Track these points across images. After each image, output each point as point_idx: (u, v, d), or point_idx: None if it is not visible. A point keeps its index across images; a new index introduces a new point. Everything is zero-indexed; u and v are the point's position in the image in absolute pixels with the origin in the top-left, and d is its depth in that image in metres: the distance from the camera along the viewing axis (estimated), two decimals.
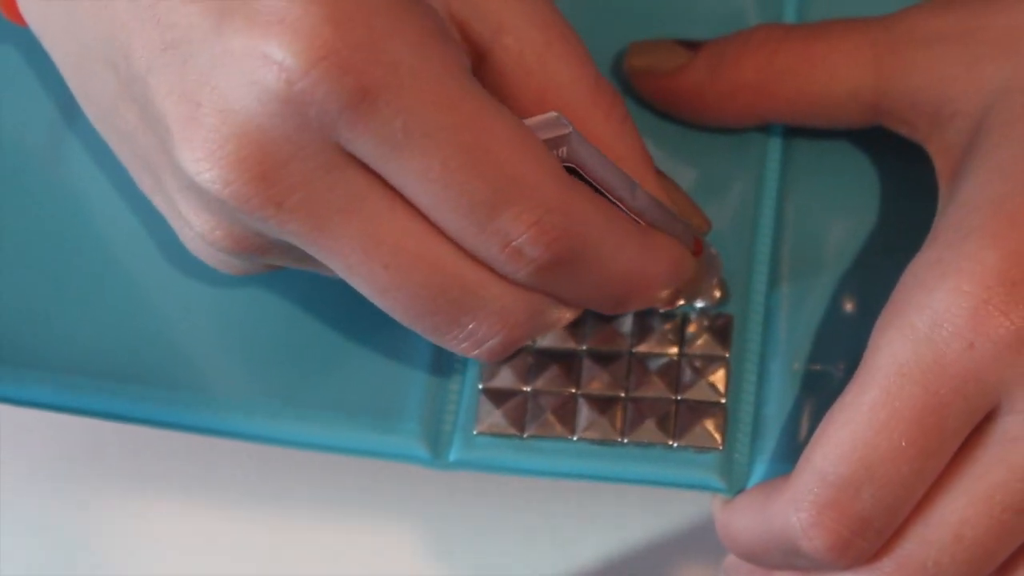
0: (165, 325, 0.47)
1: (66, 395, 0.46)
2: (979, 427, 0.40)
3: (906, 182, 0.46)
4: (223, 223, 0.39)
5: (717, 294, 0.46)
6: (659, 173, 0.43)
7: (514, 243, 0.38)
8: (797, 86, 0.45)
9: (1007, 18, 0.42)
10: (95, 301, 0.47)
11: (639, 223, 0.41)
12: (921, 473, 0.39)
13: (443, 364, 0.46)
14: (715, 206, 0.47)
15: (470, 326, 0.40)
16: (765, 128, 0.47)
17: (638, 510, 0.53)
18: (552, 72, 0.40)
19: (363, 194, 0.38)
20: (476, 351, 0.40)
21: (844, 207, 0.47)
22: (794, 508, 0.41)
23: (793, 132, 0.48)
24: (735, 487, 0.44)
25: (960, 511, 0.39)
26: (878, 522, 0.40)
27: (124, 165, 0.42)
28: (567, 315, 0.41)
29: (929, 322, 0.39)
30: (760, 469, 0.44)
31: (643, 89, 0.47)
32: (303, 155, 0.37)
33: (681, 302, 0.45)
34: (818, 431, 0.41)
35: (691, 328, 0.46)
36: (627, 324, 0.46)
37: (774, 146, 0.48)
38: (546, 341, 0.46)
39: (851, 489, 0.40)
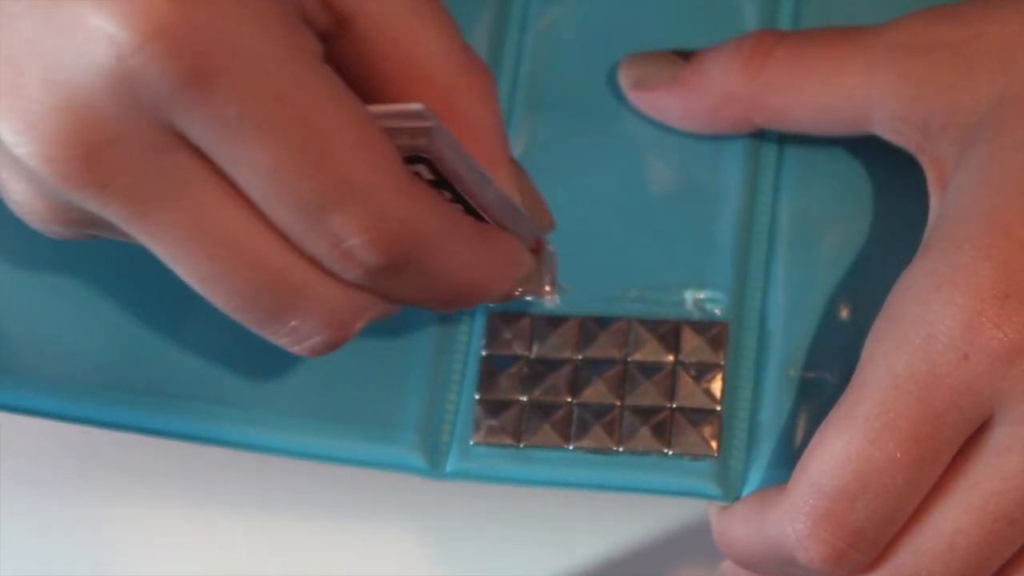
0: (163, 334, 0.47)
1: (64, 403, 0.46)
2: (973, 437, 0.40)
3: (902, 188, 0.46)
4: (42, 196, 0.37)
5: (547, 289, 0.45)
6: (513, 161, 0.42)
7: (344, 245, 0.37)
8: (790, 94, 0.45)
9: (1000, 29, 0.42)
10: (94, 309, 0.47)
11: (481, 222, 0.40)
12: (915, 484, 0.39)
13: (440, 375, 0.46)
14: (710, 212, 0.47)
15: (292, 323, 0.39)
16: (759, 134, 0.47)
17: (635, 514, 0.53)
18: (419, 41, 0.38)
19: (191, 180, 0.36)
20: (298, 347, 0.39)
21: (839, 213, 0.47)
22: (789, 519, 0.41)
23: (788, 138, 0.48)
24: (731, 494, 0.44)
25: (953, 521, 0.40)
26: (873, 533, 0.40)
27: None
28: (394, 309, 0.40)
29: (923, 334, 0.39)
30: (756, 476, 0.44)
31: (638, 100, 0.47)
32: (131, 135, 0.35)
33: (515, 297, 0.44)
34: (813, 442, 0.41)
35: (686, 336, 0.46)
36: (622, 332, 0.46)
37: (769, 152, 0.48)
38: (541, 351, 0.46)
39: (846, 500, 0.40)
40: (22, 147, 0.35)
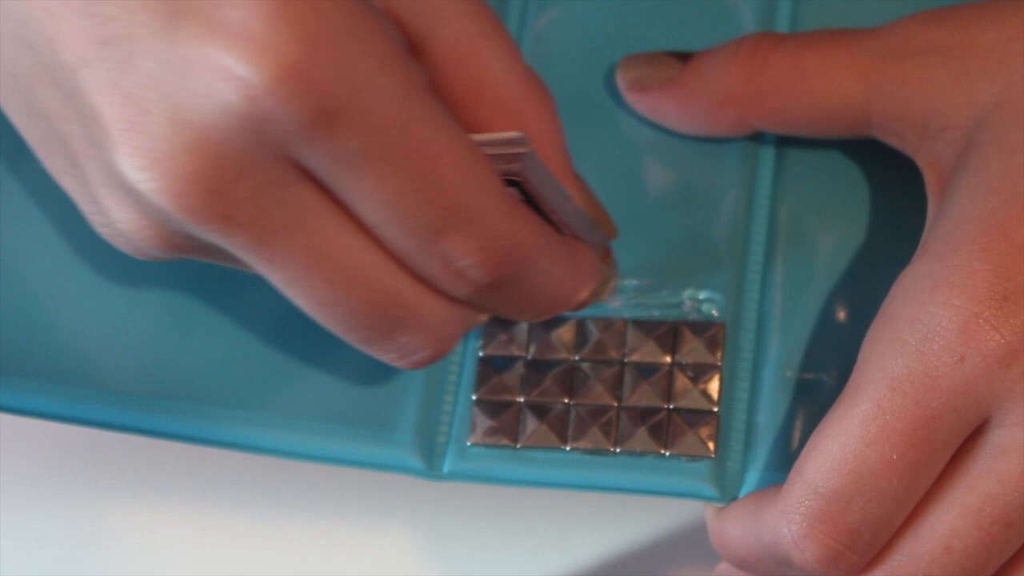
0: (161, 336, 0.47)
1: (62, 405, 0.46)
2: (969, 439, 0.40)
3: (899, 190, 0.46)
4: (154, 225, 0.38)
5: (607, 297, 0.46)
6: (577, 176, 0.43)
7: (456, 264, 0.38)
8: (787, 96, 0.45)
9: (998, 32, 0.42)
10: (92, 310, 0.47)
11: (565, 236, 0.42)
12: (911, 486, 0.39)
13: (437, 375, 0.46)
14: (708, 214, 0.47)
15: (402, 340, 0.40)
16: (758, 136, 0.47)
17: (632, 515, 0.53)
18: (486, 64, 0.40)
19: (311, 209, 0.37)
20: (403, 362, 0.41)
21: (837, 215, 0.47)
22: (785, 520, 0.41)
23: (786, 140, 0.48)
24: (728, 495, 0.44)
25: (950, 523, 0.40)
26: (868, 534, 0.40)
27: (22, 134, 0.41)
28: (483, 319, 0.42)
29: (920, 336, 0.39)
30: (753, 477, 0.44)
31: (635, 101, 0.47)
32: (255, 169, 0.36)
33: (587, 304, 0.45)
34: (809, 443, 0.41)
35: (683, 336, 0.46)
36: (619, 333, 0.46)
37: (767, 154, 0.48)
38: (538, 352, 0.46)
39: (842, 502, 0.40)
40: (149, 183, 0.36)
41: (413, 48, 0.39)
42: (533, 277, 0.40)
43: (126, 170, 0.36)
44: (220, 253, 0.39)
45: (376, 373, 0.47)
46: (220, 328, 0.47)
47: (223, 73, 0.35)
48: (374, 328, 0.39)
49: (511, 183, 0.40)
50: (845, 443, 0.40)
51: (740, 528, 0.43)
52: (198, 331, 0.47)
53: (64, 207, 0.48)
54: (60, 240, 0.48)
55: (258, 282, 0.47)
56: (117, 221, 0.38)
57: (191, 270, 0.47)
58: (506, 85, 0.40)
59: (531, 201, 0.40)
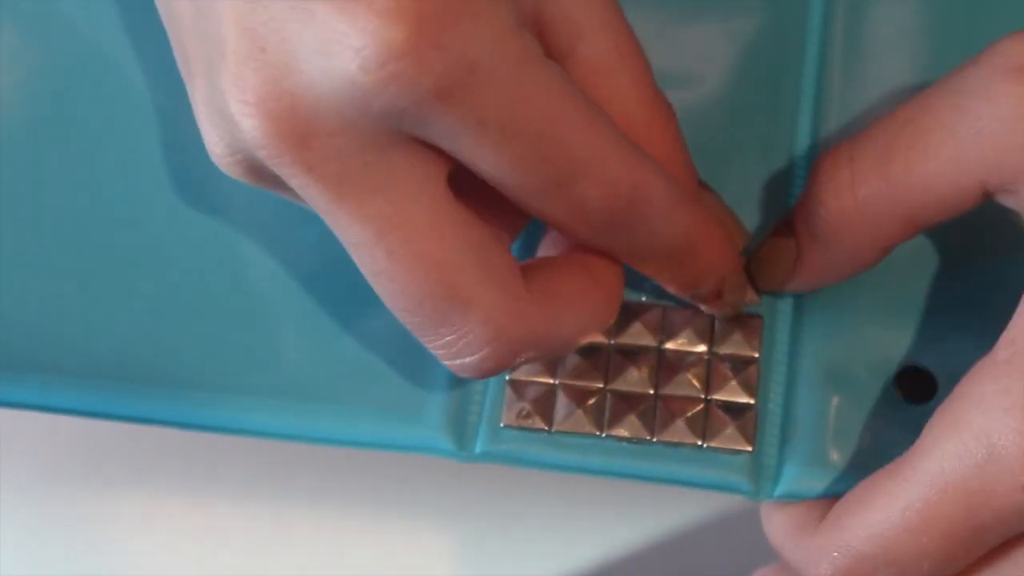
0: (173, 323, 0.46)
1: (56, 396, 0.46)
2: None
3: None
4: (238, 153, 0.38)
5: (753, 296, 0.45)
6: (704, 186, 0.44)
7: (585, 208, 0.39)
8: (905, 208, 0.41)
9: None
10: (89, 300, 0.46)
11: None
12: (941, 571, 0.39)
13: None
14: (747, 205, 0.46)
15: (448, 337, 0.39)
16: (789, 126, 0.46)
17: (666, 504, 0.53)
18: (620, 82, 0.40)
19: (395, 177, 0.37)
20: (451, 362, 0.40)
21: None
22: (815, 559, 0.41)
23: (822, 114, 0.46)
24: (763, 490, 0.44)
25: None
26: None
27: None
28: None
29: (984, 451, 0.38)
30: (789, 472, 0.44)
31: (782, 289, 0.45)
32: (351, 132, 0.36)
33: (726, 307, 0.44)
34: (856, 494, 0.41)
35: (721, 327, 0.45)
36: (656, 319, 0.45)
37: (802, 141, 0.46)
38: None
39: (869, 567, 0.40)
40: (247, 119, 0.36)
41: (554, 59, 0.39)
42: (657, 217, 0.40)
43: (231, 102, 0.36)
44: (295, 195, 0.39)
45: (406, 353, 0.46)
46: (248, 314, 0.46)
47: (341, 38, 0.35)
48: (422, 314, 0.39)
49: None
50: (885, 519, 0.39)
51: (782, 532, 0.43)
52: (226, 318, 0.46)
53: (43, 198, 0.47)
54: (53, 231, 0.47)
55: (282, 267, 0.46)
56: (209, 143, 0.38)
57: (193, 261, 0.46)
58: (635, 105, 0.40)
59: None
